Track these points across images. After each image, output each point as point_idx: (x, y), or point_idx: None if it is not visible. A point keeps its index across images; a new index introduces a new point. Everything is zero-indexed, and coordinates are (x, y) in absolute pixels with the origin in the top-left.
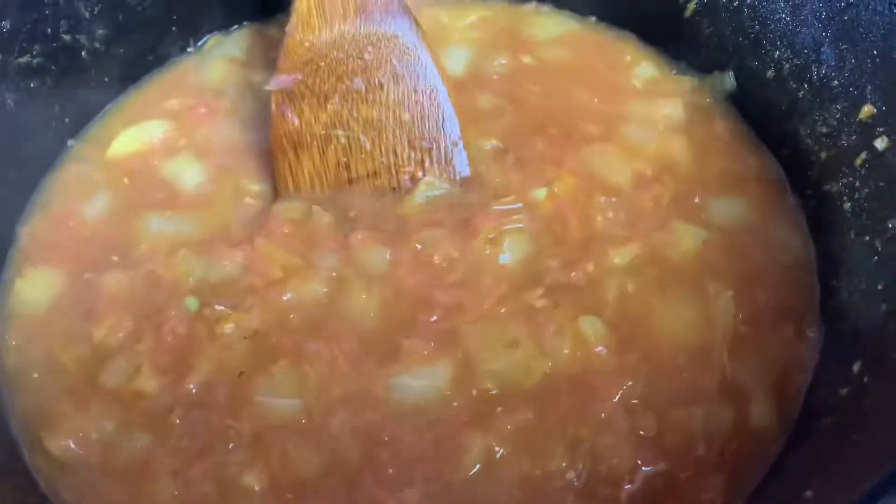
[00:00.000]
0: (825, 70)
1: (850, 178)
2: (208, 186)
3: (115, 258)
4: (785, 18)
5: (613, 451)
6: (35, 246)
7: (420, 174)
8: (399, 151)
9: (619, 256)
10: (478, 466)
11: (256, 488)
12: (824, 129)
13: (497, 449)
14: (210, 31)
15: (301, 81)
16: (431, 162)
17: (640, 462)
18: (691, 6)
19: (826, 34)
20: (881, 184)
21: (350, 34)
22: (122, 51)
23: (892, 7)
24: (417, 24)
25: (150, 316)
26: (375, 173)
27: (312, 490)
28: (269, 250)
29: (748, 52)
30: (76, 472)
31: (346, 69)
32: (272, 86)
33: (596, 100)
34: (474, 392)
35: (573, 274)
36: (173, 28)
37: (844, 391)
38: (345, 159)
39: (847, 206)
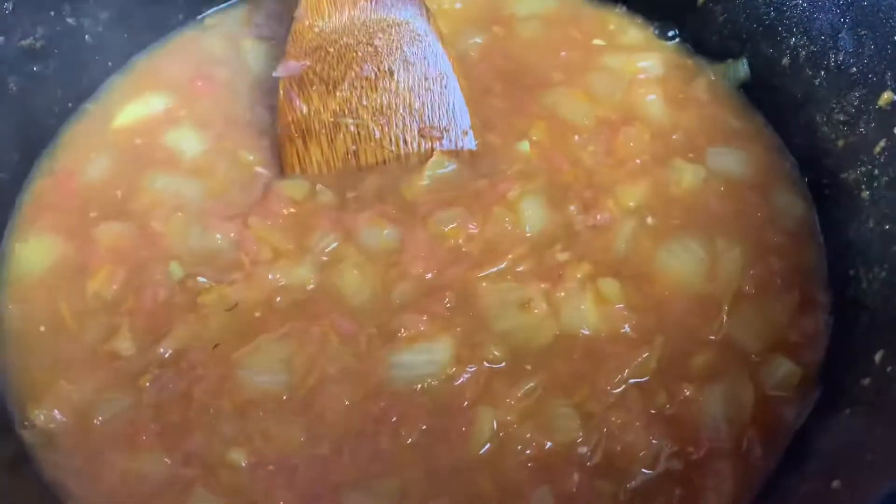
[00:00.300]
0: (843, 56)
1: (869, 167)
2: (209, 156)
3: (114, 211)
4: (801, 4)
5: (626, 427)
6: (36, 211)
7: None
8: (409, 139)
9: (630, 193)
10: (488, 445)
11: (243, 464)
12: (842, 117)
13: (508, 421)
14: (210, 6)
15: (310, 68)
16: (441, 151)
17: (653, 439)
18: None
19: (844, 20)
20: None
21: (360, 20)
22: (125, 34)
23: None
24: (427, 9)
25: (138, 273)
26: (385, 161)
27: (298, 465)
28: (262, 231)
29: (763, 39)
30: (63, 445)
31: (355, 55)
32: (280, 72)
33: (563, 53)
34: (482, 365)
35: (598, 216)
36: (175, 4)
37: (867, 381)
38: (353, 147)
39: (865, 194)
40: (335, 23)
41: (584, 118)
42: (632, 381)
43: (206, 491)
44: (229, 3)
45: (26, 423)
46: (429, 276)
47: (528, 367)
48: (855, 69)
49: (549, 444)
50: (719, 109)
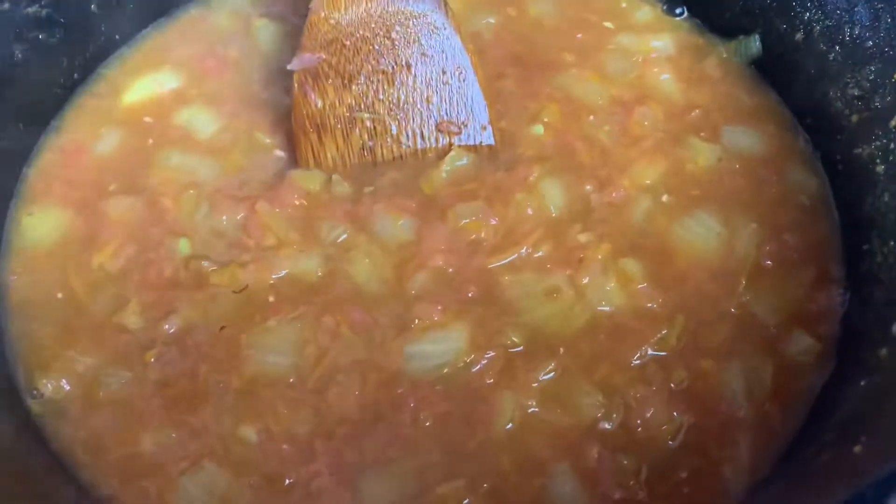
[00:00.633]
0: (859, 30)
1: (885, 141)
2: (224, 136)
3: (123, 187)
4: None
5: (647, 402)
6: (43, 184)
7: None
8: (426, 134)
9: (645, 171)
10: (509, 426)
11: (254, 439)
12: (856, 92)
13: (529, 403)
14: None
15: (325, 61)
16: (459, 145)
17: (674, 413)
18: None
19: None
20: None
21: (377, 12)
22: (132, 5)
23: None
24: (445, 1)
25: (146, 248)
26: (401, 157)
27: (312, 445)
28: (268, 218)
29: (776, 14)
30: (70, 415)
31: (371, 48)
32: (294, 66)
33: (578, 35)
34: (501, 351)
35: (614, 194)
36: None
37: (884, 351)
38: (370, 142)
39: (881, 168)
40: (351, 15)
41: (598, 98)
42: (651, 353)
43: (215, 465)
44: None
45: (34, 392)
46: (450, 269)
47: (549, 350)
48: (871, 43)
49: (569, 421)
50: (732, 87)
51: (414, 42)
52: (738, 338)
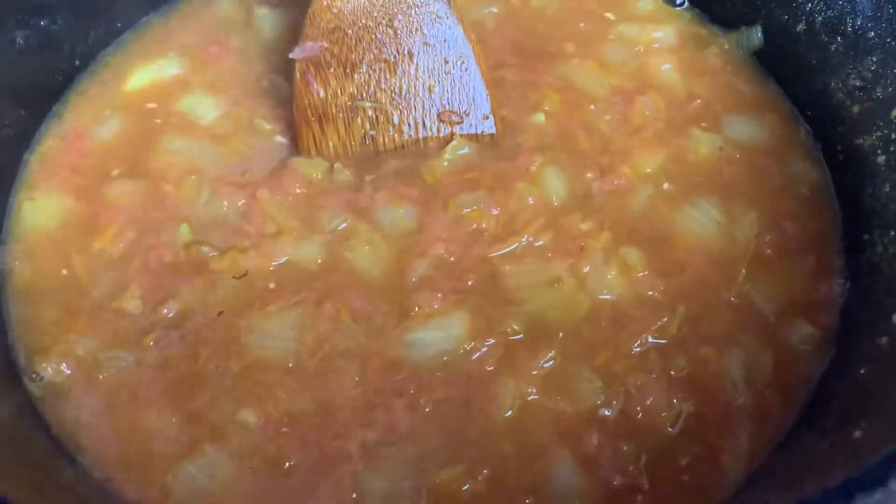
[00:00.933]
0: (861, 21)
1: (886, 131)
2: (226, 122)
3: (125, 172)
4: None
5: (647, 389)
6: (44, 169)
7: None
8: (428, 124)
9: (646, 160)
10: (509, 413)
11: (253, 423)
12: (858, 83)
13: (529, 391)
14: None
15: (327, 50)
16: (461, 134)
17: (674, 400)
18: None
19: None
20: None
21: (380, 1)
22: None
23: None
24: None
25: (146, 233)
26: (403, 146)
27: (311, 430)
28: (268, 205)
29: (778, 5)
30: (70, 398)
31: (374, 37)
32: (296, 54)
33: (580, 25)
34: (501, 339)
35: (615, 182)
36: None
37: (884, 340)
38: (371, 131)
39: (881, 159)
40: (354, 4)
41: (599, 88)
42: (651, 341)
43: (215, 448)
44: None
45: (34, 375)
46: (451, 258)
47: (550, 338)
48: (873, 34)
49: (570, 408)
50: (733, 77)
51: (416, 31)
52: (738, 326)
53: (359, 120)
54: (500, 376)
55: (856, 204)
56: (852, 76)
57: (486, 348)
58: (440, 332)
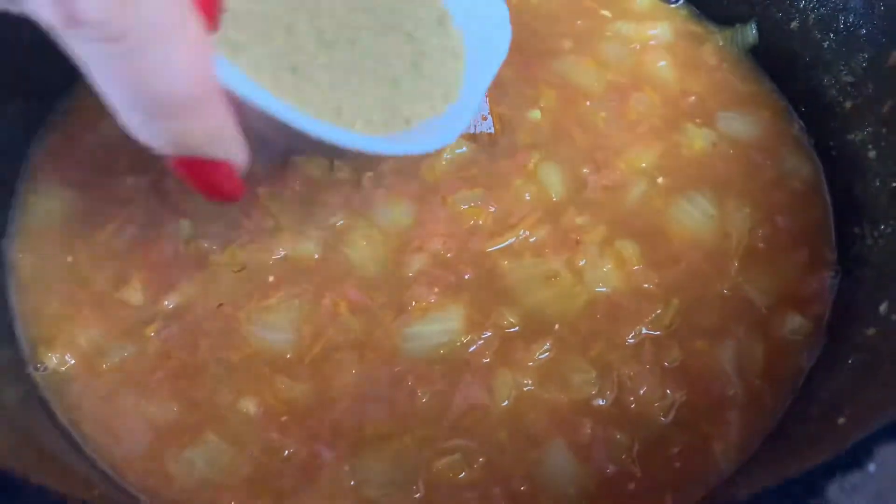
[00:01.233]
0: (853, 18)
1: (877, 126)
2: None
3: (127, 167)
4: None
5: (640, 379)
6: (48, 163)
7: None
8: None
9: (641, 155)
10: (505, 403)
11: (253, 412)
12: (850, 79)
13: (525, 382)
14: None
15: None
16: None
17: (667, 391)
18: None
19: None
20: None
21: None
22: None
23: None
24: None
25: (149, 227)
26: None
27: (311, 418)
28: (268, 201)
29: (772, 2)
30: (73, 388)
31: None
32: None
33: (579, 22)
34: (497, 331)
35: (611, 176)
36: None
37: (871, 331)
38: None
39: (872, 154)
40: None
41: (595, 84)
42: (646, 332)
43: (216, 436)
44: None
45: (39, 365)
46: (449, 254)
47: (545, 330)
48: (864, 31)
49: (565, 398)
50: (728, 74)
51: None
52: (730, 318)
53: None
54: (496, 368)
55: (847, 198)
56: (844, 72)
57: (482, 341)
58: (437, 325)
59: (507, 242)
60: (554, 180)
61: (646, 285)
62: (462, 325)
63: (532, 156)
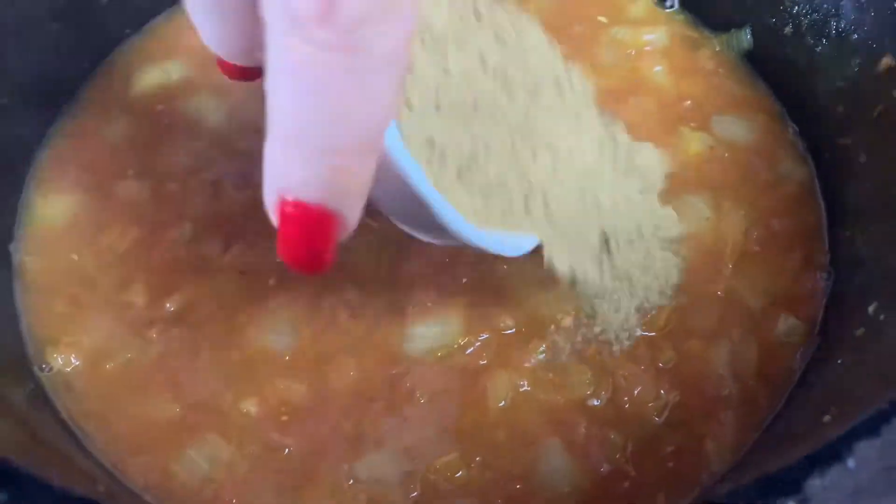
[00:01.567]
0: (844, 24)
1: (867, 131)
2: (228, 124)
3: (132, 171)
4: None
5: (635, 380)
6: (55, 168)
7: None
8: None
9: None
10: (502, 403)
11: (254, 412)
12: (842, 84)
13: (522, 382)
14: None
15: None
16: None
17: (661, 391)
18: None
19: None
20: None
21: None
22: None
23: None
24: None
25: (153, 230)
26: None
27: (310, 419)
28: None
29: (766, 8)
30: (78, 388)
31: None
32: None
33: (577, 28)
34: (494, 334)
35: None
36: None
37: (860, 331)
38: None
39: (863, 157)
40: None
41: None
42: (640, 333)
43: (217, 436)
44: None
45: (45, 366)
46: (446, 259)
47: (541, 332)
48: (856, 36)
49: (560, 398)
50: (724, 79)
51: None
52: (725, 319)
53: None
54: (493, 369)
55: (840, 201)
56: (837, 77)
57: (479, 343)
58: (435, 328)
59: None
60: None
61: None
62: (459, 328)
63: None
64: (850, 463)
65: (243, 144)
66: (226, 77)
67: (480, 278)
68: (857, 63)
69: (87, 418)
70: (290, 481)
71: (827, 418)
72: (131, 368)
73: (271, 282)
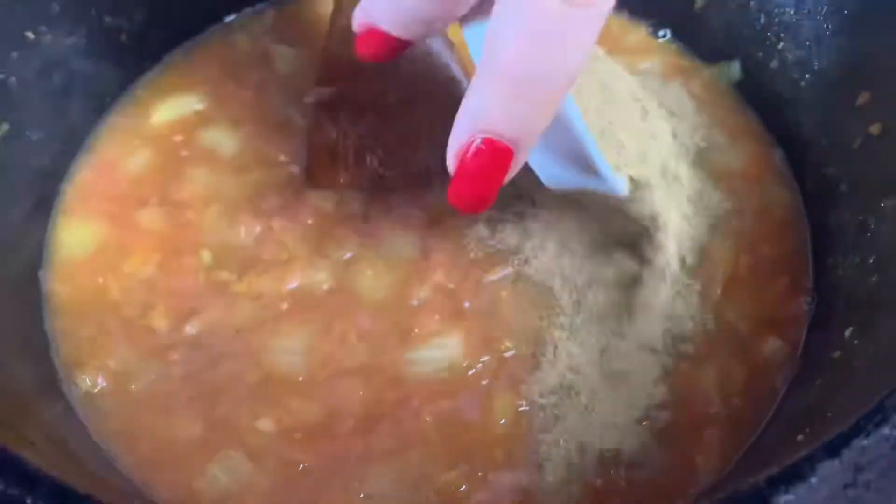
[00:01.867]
0: (825, 62)
1: (847, 162)
2: (245, 155)
3: (153, 201)
4: (789, 11)
5: None
6: (79, 198)
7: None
8: (431, 166)
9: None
10: (503, 421)
11: (270, 430)
12: (824, 117)
13: (522, 402)
14: (237, 9)
15: (338, 94)
16: None
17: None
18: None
19: (827, 27)
20: (874, 166)
21: None
22: (157, 34)
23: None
24: (452, 43)
25: (172, 257)
26: (411, 183)
27: (322, 437)
28: (282, 234)
29: (754, 43)
30: (104, 408)
31: (384, 84)
32: (310, 98)
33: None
34: (496, 356)
35: None
36: (201, 7)
37: (837, 354)
38: (380, 171)
39: (843, 187)
40: None
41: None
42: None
43: (237, 452)
44: (256, 7)
45: (73, 387)
46: (451, 285)
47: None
48: (835, 72)
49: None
50: (715, 107)
51: (422, 78)
52: (713, 342)
53: (367, 159)
54: (494, 389)
55: (823, 229)
56: (819, 110)
57: (481, 364)
58: (439, 351)
59: (503, 272)
60: None
61: None
62: (462, 350)
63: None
64: (814, 481)
65: (257, 174)
66: (359, 57)
67: (481, 303)
68: (837, 97)
69: (114, 437)
70: (306, 495)
71: (800, 437)
72: (155, 389)
73: (284, 307)
